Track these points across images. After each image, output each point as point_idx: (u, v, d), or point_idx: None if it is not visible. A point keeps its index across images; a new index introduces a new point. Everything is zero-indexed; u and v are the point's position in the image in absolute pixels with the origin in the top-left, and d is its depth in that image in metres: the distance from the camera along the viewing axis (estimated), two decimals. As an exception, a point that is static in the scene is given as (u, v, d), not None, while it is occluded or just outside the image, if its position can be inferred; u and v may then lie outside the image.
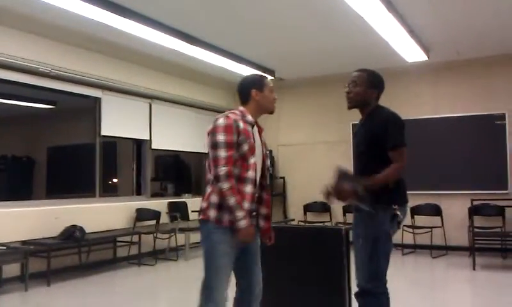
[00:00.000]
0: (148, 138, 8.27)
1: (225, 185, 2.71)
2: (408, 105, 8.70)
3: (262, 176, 2.98)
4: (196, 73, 8.68)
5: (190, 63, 8.10)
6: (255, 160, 2.86)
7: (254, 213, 2.93)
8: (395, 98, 8.57)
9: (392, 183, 2.89)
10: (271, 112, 3.05)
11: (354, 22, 6.18)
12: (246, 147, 2.81)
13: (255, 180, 2.85)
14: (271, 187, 9.43)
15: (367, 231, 2.95)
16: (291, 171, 9.71)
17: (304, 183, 9.25)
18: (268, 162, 3.07)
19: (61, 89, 6.84)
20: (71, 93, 7.01)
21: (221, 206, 2.78)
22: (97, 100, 7.38)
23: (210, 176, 2.84)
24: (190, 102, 8.96)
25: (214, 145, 2.77)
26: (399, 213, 2.88)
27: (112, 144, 9.23)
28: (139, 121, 8.12)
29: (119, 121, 7.70)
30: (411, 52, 7.54)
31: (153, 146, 8.38)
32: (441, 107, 8.57)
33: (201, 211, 2.87)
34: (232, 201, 2.70)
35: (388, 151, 2.90)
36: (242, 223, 2.71)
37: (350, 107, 3.16)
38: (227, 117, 2.82)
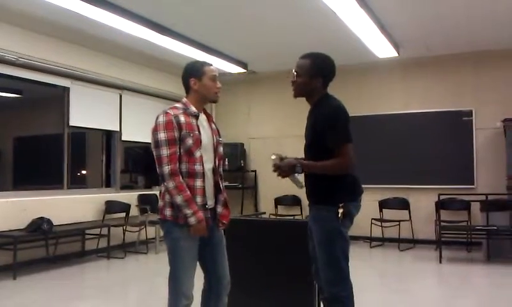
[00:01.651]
0: (118, 129, 8.17)
1: (170, 184, 2.70)
2: (378, 100, 8.83)
3: (217, 164, 2.93)
4: (168, 64, 8.58)
5: (162, 54, 8.02)
6: (202, 152, 2.81)
7: (207, 206, 2.85)
8: (366, 93, 8.78)
9: (328, 177, 2.82)
10: (214, 102, 2.98)
11: (327, 17, 6.20)
12: (190, 141, 2.76)
13: (203, 173, 2.81)
14: (242, 180, 9.51)
15: (319, 233, 2.89)
16: (262, 164, 9.70)
17: (275, 176, 9.22)
18: (221, 149, 2.99)
19: (28, 77, 6.69)
20: (38, 82, 6.86)
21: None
22: (66, 90, 7.24)
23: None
24: (161, 93, 8.86)
25: (156, 144, 2.74)
26: (341, 211, 2.78)
27: (81, 135, 9.07)
28: (109, 111, 8.00)
29: (88, 111, 7.58)
30: (382, 48, 7.62)
31: (124, 138, 8.28)
32: (410, 103, 8.69)
33: (159, 210, 2.86)
34: (178, 199, 2.70)
35: (332, 149, 2.79)
36: (193, 220, 2.71)
37: (295, 96, 3.05)
38: (166, 113, 2.77)
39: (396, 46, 7.65)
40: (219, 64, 7.91)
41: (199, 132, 2.81)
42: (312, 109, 3.00)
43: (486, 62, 8.19)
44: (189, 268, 2.81)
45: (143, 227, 7.93)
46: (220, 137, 3.02)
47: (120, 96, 8.18)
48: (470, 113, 8.21)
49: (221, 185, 2.95)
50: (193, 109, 2.85)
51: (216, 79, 2.92)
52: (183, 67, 2.99)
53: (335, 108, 2.86)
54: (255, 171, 9.81)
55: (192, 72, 2.91)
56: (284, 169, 2.89)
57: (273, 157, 2.93)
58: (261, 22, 6.79)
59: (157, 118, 2.79)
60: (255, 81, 9.75)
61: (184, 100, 2.90)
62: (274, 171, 2.92)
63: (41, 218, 6.35)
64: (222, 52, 8.08)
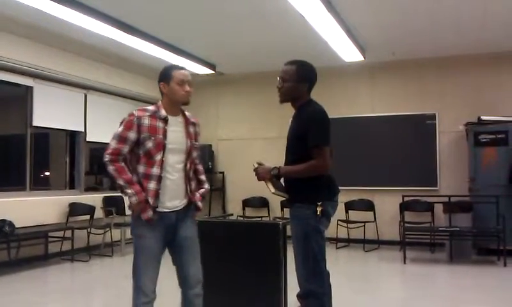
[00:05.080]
0: (82, 130, 8.02)
1: (110, 168, 2.81)
2: (345, 103, 8.94)
3: (193, 168, 3.02)
4: (134, 63, 8.49)
5: (128, 53, 7.92)
6: (168, 155, 2.85)
7: (172, 207, 2.90)
8: (333, 97, 8.86)
9: (305, 178, 2.95)
10: (185, 104, 2.99)
11: (296, 21, 6.25)
12: (150, 144, 2.82)
13: (160, 176, 2.83)
14: (210, 182, 9.46)
15: (297, 230, 2.98)
16: (230, 166, 9.71)
17: (243, 178, 9.19)
18: (195, 153, 3.01)
19: (-11, 76, 6.51)
20: (0, 80, 6.67)
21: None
22: (29, 89, 7.08)
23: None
24: (127, 93, 8.75)
25: (113, 136, 2.86)
26: (320, 209, 2.90)
27: (44, 135, 8.87)
28: (73, 112, 7.85)
29: (52, 111, 7.42)
30: (349, 52, 7.72)
31: (88, 138, 8.13)
32: (376, 106, 8.85)
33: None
34: (120, 181, 2.79)
35: (311, 149, 2.91)
36: (134, 199, 2.79)
37: (282, 102, 3.16)
38: (131, 114, 2.87)
39: (362, 50, 7.77)
40: (187, 66, 7.85)
41: (165, 136, 2.84)
42: (295, 113, 3.13)
43: (449, 67, 8.40)
44: (148, 267, 2.84)
45: (108, 229, 7.80)
46: (197, 141, 3.06)
47: (85, 96, 8.03)
48: (433, 117, 8.41)
49: (189, 186, 2.97)
50: (163, 112, 2.90)
51: (184, 83, 2.92)
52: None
53: (318, 111, 3.01)
54: (223, 173, 9.79)
55: (162, 76, 2.98)
56: (262, 173, 3.04)
57: (254, 164, 3.10)
58: (229, 24, 6.79)
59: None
60: (223, 83, 9.73)
61: (159, 103, 2.96)
62: (256, 175, 3.08)
63: (3, 220, 6.20)
64: (190, 53, 8.03)
